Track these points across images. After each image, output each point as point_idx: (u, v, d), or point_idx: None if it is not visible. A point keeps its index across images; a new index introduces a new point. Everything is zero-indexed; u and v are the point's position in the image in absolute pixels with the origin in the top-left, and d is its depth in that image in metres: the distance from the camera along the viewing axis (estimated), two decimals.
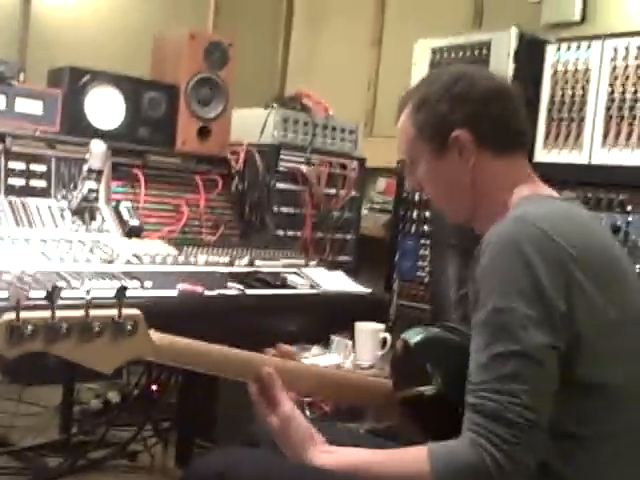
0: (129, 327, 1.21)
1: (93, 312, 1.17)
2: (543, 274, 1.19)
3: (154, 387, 3.06)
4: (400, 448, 1.28)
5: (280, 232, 2.88)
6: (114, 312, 1.19)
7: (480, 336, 1.21)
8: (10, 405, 2.99)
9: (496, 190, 1.40)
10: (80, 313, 1.16)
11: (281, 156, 2.96)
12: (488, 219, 1.38)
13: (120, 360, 1.22)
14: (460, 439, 1.18)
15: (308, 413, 1.70)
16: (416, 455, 1.21)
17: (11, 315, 1.12)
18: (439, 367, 1.30)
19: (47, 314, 1.14)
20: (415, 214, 3.06)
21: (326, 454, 1.28)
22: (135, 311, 1.23)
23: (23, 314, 1.12)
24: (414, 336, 1.32)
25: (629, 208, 2.39)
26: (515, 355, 1.16)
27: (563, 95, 2.62)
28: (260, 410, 1.32)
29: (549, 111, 2.64)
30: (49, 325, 1.14)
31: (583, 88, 2.55)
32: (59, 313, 1.15)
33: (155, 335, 1.26)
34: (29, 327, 1.12)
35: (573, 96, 2.59)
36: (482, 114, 1.37)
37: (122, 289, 1.22)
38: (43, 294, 1.16)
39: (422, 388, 1.31)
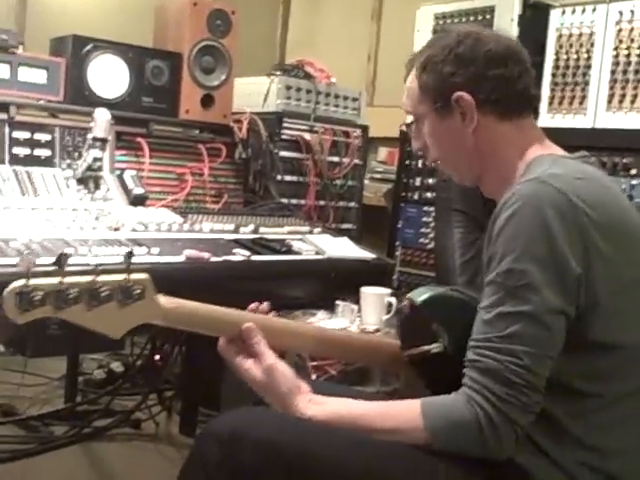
0: (137, 291, 1.22)
1: (101, 277, 1.18)
2: (561, 238, 1.18)
3: (157, 357, 3.08)
4: (392, 401, 1.28)
5: (284, 200, 2.88)
6: (122, 277, 1.20)
7: (490, 295, 1.21)
8: (15, 376, 3.00)
9: (503, 153, 1.38)
10: (89, 278, 1.17)
11: (284, 124, 2.94)
12: (497, 182, 1.38)
13: (129, 324, 1.23)
14: (456, 395, 1.19)
15: (314, 377, 1.71)
16: (409, 409, 1.22)
17: (21, 282, 1.13)
18: (445, 325, 1.31)
19: (56, 280, 1.15)
20: (418, 181, 3.05)
21: (315, 405, 1.28)
22: (143, 275, 1.23)
23: (32, 280, 1.13)
24: (420, 295, 1.33)
25: (633, 172, 2.38)
26: (522, 316, 1.16)
27: (568, 59, 2.60)
28: (239, 365, 1.32)
29: (553, 76, 2.62)
30: (58, 291, 1.15)
31: (587, 52, 2.53)
32: (68, 279, 1.16)
33: (162, 299, 1.26)
34: (39, 293, 1.13)
35: (577, 60, 2.57)
36: (485, 77, 1.35)
37: (129, 254, 1.23)
38: (51, 261, 1.17)
39: (428, 346, 1.32)
